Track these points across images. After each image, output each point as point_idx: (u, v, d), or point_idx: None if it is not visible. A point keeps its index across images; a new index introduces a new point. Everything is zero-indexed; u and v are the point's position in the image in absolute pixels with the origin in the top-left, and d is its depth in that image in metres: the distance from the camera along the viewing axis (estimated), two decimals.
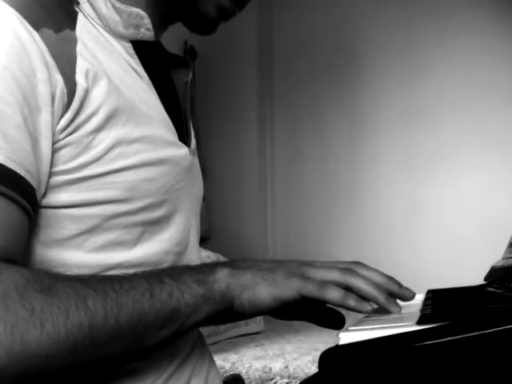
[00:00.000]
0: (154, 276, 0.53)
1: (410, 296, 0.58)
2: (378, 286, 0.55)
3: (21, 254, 0.51)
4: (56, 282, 0.47)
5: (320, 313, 0.60)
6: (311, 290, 0.53)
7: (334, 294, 0.52)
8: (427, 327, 0.39)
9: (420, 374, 0.36)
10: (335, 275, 0.54)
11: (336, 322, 0.60)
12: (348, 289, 0.54)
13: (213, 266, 0.57)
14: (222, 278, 0.55)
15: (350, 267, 0.56)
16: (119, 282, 0.51)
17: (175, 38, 2.45)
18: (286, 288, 0.53)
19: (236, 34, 2.71)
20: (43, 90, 0.52)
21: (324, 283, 0.53)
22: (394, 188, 2.71)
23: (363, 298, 0.54)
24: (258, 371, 1.50)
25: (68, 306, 0.46)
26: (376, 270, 0.58)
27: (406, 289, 0.58)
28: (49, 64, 0.53)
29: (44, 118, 0.52)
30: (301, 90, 2.92)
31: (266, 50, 2.98)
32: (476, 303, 0.56)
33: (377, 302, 0.54)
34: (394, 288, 0.56)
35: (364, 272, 0.56)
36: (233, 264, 0.57)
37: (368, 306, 0.52)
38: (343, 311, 0.58)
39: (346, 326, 0.58)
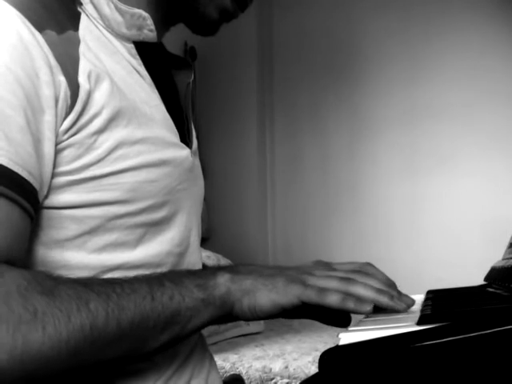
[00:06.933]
0: (155, 279, 0.53)
1: (410, 303, 0.58)
2: (377, 290, 0.55)
3: (22, 256, 0.51)
4: (58, 285, 0.47)
5: (326, 311, 0.60)
6: (311, 295, 0.53)
7: (332, 298, 0.52)
8: (427, 327, 0.39)
9: (420, 375, 0.36)
10: (335, 284, 0.55)
11: (342, 320, 0.60)
12: (348, 295, 0.54)
13: (214, 271, 0.57)
14: (223, 282, 0.55)
15: (351, 276, 0.57)
16: (121, 285, 0.51)
17: (175, 39, 2.45)
18: (286, 294, 0.54)
19: (236, 34, 2.71)
20: (46, 92, 0.52)
21: (323, 289, 0.53)
22: (393, 188, 2.71)
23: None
24: (258, 371, 1.50)
25: (70, 308, 0.46)
26: (376, 277, 0.58)
27: (406, 296, 0.58)
28: (52, 66, 0.53)
29: (47, 119, 0.52)
30: (301, 90, 2.92)
31: (266, 50, 2.98)
32: (476, 304, 0.56)
33: (381, 305, 0.54)
34: (394, 295, 0.56)
35: (364, 280, 0.56)
36: (234, 269, 0.57)
37: (367, 306, 0.52)
38: None
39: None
